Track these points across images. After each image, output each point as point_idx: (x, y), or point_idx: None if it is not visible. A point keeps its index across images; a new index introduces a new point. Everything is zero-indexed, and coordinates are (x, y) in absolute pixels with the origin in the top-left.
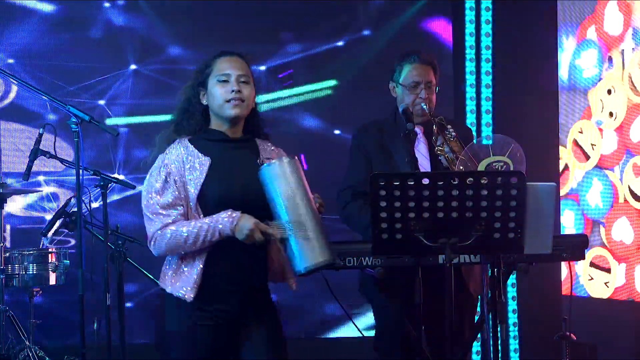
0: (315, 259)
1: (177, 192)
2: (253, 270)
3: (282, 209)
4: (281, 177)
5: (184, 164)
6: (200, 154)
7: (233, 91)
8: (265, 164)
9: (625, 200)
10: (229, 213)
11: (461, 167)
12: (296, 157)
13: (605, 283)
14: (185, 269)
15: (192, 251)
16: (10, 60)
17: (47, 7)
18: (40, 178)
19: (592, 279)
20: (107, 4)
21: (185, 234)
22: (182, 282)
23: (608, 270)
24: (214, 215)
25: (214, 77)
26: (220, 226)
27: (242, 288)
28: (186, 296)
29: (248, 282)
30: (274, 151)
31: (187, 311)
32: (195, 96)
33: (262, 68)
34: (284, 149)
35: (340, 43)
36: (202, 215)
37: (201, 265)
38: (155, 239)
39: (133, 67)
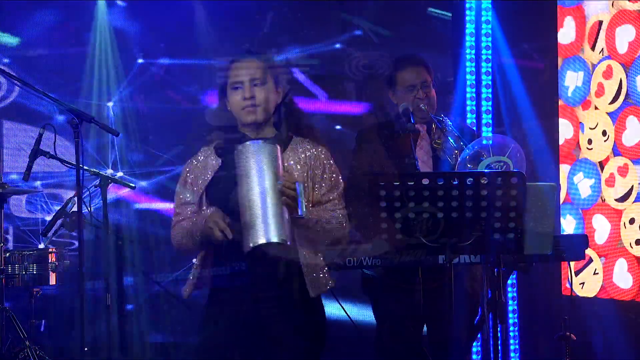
0: (261, 238)
1: (192, 193)
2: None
3: (240, 187)
4: (242, 159)
5: (201, 166)
6: (214, 156)
7: (245, 98)
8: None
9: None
10: (205, 211)
11: (457, 154)
12: (277, 145)
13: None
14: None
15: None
16: (6, 60)
17: None
18: (39, 179)
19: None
20: (120, 2)
21: (185, 231)
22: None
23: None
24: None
25: (229, 85)
26: (199, 225)
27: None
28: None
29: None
30: (307, 149)
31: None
32: (224, 104)
33: None
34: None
35: (337, 45)
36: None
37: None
38: (172, 235)
39: (140, 61)
